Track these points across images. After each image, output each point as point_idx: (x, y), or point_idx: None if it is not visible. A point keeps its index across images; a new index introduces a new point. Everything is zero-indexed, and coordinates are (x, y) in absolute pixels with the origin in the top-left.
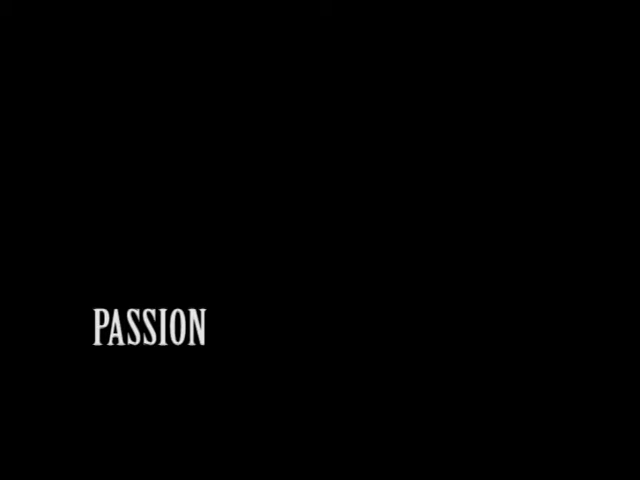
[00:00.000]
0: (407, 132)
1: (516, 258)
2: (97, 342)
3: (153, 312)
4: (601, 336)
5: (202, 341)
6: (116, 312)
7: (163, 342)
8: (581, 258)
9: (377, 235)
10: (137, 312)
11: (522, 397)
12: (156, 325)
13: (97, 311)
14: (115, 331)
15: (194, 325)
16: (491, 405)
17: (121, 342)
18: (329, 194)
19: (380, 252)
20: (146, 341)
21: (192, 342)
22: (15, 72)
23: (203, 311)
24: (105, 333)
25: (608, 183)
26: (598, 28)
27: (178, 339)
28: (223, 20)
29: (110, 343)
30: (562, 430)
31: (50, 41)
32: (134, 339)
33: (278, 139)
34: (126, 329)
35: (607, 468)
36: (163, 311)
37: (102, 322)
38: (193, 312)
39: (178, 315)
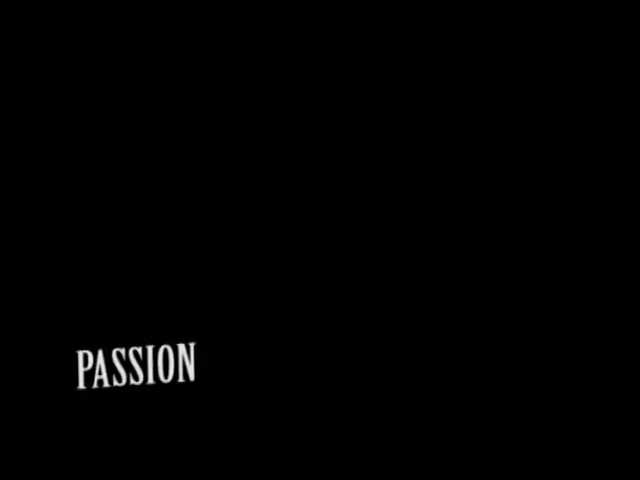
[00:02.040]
0: (407, 132)
1: (516, 255)
2: (81, 386)
3: (140, 350)
4: (601, 337)
5: (192, 377)
6: (100, 353)
7: (151, 381)
8: (581, 258)
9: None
10: (123, 351)
11: (522, 398)
12: (143, 363)
13: (80, 353)
14: (100, 373)
15: (183, 361)
16: (491, 406)
17: (106, 384)
18: (324, 204)
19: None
20: (133, 381)
21: (181, 379)
22: (15, 72)
23: (192, 345)
24: (89, 375)
25: (608, 183)
26: (598, 28)
27: (167, 377)
28: (223, 20)
29: (95, 386)
30: (562, 430)
31: (50, 41)
32: (120, 380)
33: (278, 139)
34: (111, 370)
35: (607, 468)
36: (150, 348)
37: (86, 364)
38: (182, 347)
39: (166, 351)
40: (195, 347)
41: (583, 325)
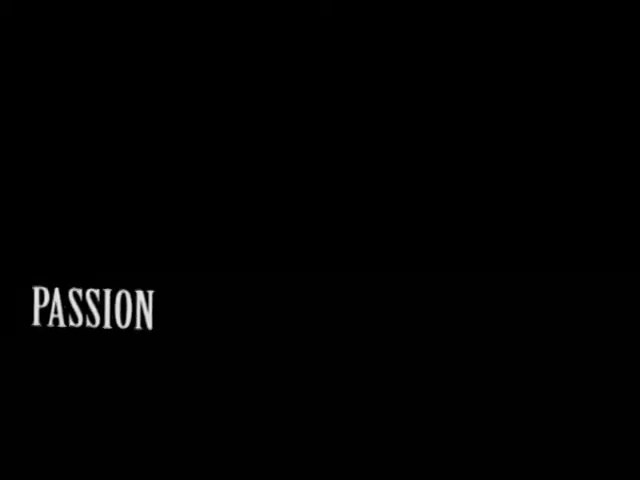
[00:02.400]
0: (407, 132)
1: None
2: (36, 322)
3: (97, 292)
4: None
5: (149, 325)
6: (57, 291)
7: (107, 325)
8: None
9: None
10: (79, 292)
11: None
12: (100, 307)
13: (36, 289)
14: (56, 312)
15: (141, 308)
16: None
17: (62, 324)
18: (324, 194)
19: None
20: (89, 323)
21: (139, 326)
22: (15, 72)
23: (151, 293)
24: (45, 313)
25: (608, 182)
26: (598, 28)
27: (124, 322)
28: (222, 20)
29: (50, 324)
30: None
31: (50, 41)
32: (76, 321)
33: (278, 139)
34: (68, 310)
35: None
36: (108, 292)
37: (42, 301)
38: (140, 294)
39: (124, 297)
40: (154, 295)
41: (584, 309)
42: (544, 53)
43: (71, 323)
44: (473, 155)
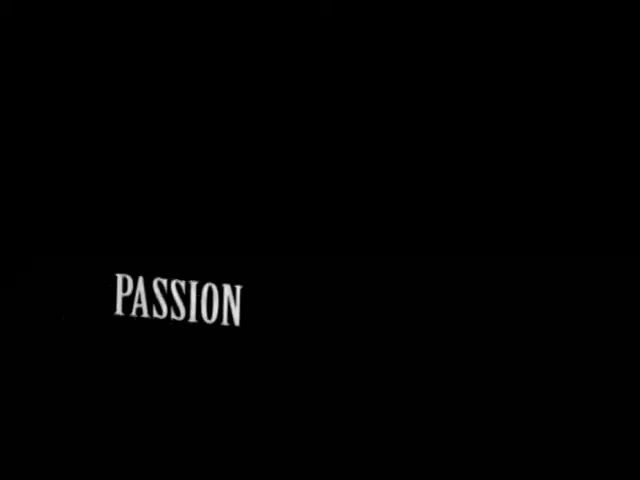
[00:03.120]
0: (407, 132)
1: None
2: (119, 311)
3: (182, 284)
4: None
5: (237, 321)
6: (141, 280)
7: (193, 319)
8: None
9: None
10: (164, 282)
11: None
12: (185, 299)
13: (120, 276)
14: (139, 301)
15: (228, 303)
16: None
17: (146, 314)
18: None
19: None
20: (174, 315)
21: (225, 322)
22: (15, 72)
23: (239, 288)
24: (128, 302)
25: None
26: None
27: (210, 317)
28: (222, 19)
29: (133, 314)
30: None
31: (50, 41)
32: (160, 312)
33: (277, 139)
34: (152, 300)
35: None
36: (194, 284)
37: (125, 290)
38: (227, 288)
39: (210, 290)
40: (242, 290)
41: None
42: (544, 48)
43: (155, 314)
44: (472, 141)
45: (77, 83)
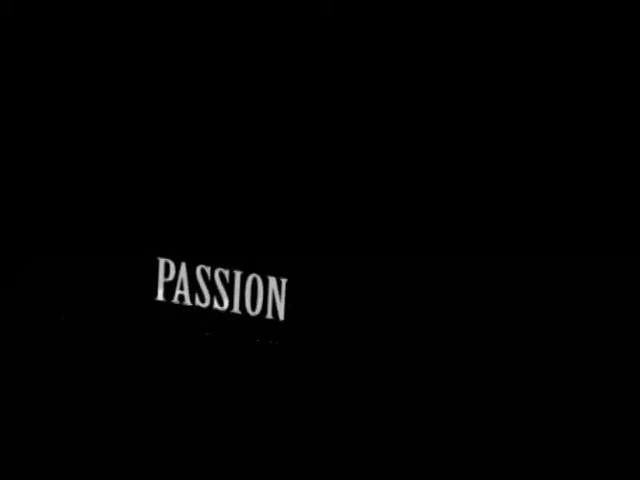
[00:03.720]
0: (407, 132)
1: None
2: (160, 297)
3: (226, 273)
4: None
5: (281, 316)
6: (183, 265)
7: (236, 310)
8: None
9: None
10: (208, 270)
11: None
12: (229, 289)
13: (162, 260)
14: (182, 288)
15: (273, 295)
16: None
17: (188, 302)
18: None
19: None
20: (217, 305)
21: (270, 315)
22: (15, 72)
23: (284, 281)
24: (170, 288)
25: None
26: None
27: (254, 309)
28: (222, 19)
29: (175, 300)
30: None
31: (50, 41)
32: (203, 300)
33: (277, 139)
34: (194, 287)
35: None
36: (238, 274)
37: (167, 275)
38: (272, 280)
39: (255, 281)
40: (287, 284)
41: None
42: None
43: (197, 302)
44: (472, 141)
45: (77, 83)
